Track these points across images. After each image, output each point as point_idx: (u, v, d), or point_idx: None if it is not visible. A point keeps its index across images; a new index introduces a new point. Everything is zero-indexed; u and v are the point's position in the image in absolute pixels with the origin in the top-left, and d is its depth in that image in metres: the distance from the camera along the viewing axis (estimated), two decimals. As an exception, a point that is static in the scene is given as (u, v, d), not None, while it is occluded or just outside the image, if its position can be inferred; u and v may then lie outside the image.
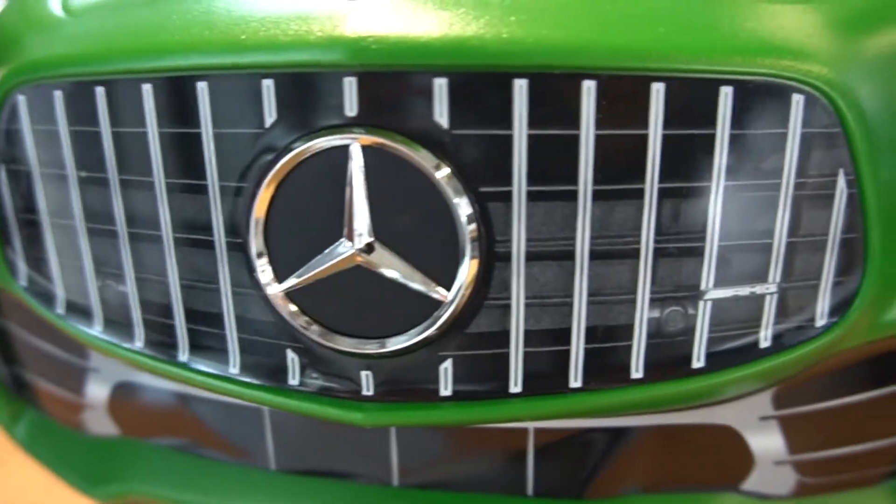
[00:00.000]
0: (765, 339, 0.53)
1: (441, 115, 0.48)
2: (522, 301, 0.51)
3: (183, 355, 0.60)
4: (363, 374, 0.55)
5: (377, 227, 0.51)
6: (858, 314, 0.53)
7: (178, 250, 0.57)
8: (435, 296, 0.51)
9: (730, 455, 0.62)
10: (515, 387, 0.53)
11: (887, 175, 0.51)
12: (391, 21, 0.47)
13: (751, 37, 0.47)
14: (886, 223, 0.51)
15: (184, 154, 0.54)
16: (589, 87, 0.47)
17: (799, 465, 0.63)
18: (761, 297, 0.52)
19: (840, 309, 0.53)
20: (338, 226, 0.51)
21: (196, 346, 0.60)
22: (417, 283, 0.51)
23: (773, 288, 0.52)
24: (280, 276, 0.54)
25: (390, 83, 0.48)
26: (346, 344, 0.54)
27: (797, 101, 0.48)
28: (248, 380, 0.58)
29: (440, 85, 0.47)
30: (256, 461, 0.70)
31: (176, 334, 0.60)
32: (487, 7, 0.48)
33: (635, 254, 0.50)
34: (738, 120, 0.48)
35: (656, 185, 0.49)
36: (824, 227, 0.51)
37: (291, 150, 0.50)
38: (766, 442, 0.61)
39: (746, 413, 0.60)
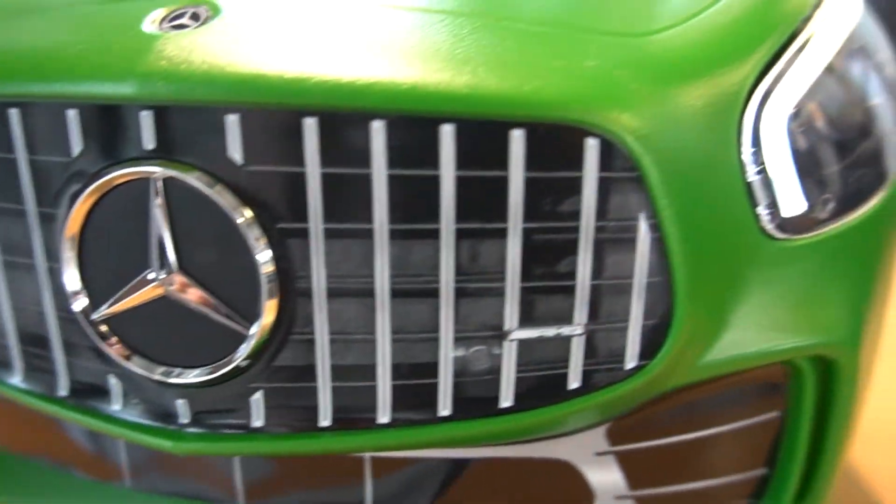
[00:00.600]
0: (574, 380, 0.53)
1: (234, 151, 0.48)
2: (326, 337, 0.51)
3: (16, 377, 0.60)
4: (179, 402, 0.55)
5: (183, 259, 0.51)
6: (669, 358, 0.52)
7: (7, 273, 0.57)
8: (239, 329, 0.51)
9: (570, 489, 0.62)
10: (325, 420, 0.53)
11: (691, 220, 0.50)
12: (184, 56, 0.47)
13: (542, 82, 0.47)
14: (692, 268, 0.51)
15: (4, 178, 0.54)
16: (377, 128, 0.47)
17: (640, 500, 0.63)
18: (568, 338, 0.52)
19: (651, 352, 0.53)
20: (146, 256, 0.51)
21: (29, 368, 0.60)
22: (221, 316, 0.51)
23: (579, 330, 0.52)
24: (95, 304, 0.54)
25: (185, 118, 0.48)
26: (158, 373, 0.54)
27: (591, 145, 0.48)
28: (74, 403, 0.58)
29: (232, 121, 0.47)
30: (114, 479, 0.70)
31: (10, 355, 0.60)
32: (278, 45, 0.48)
33: (436, 293, 0.50)
34: (532, 163, 0.48)
35: (452, 226, 0.49)
36: (629, 270, 0.51)
37: (97, 179, 0.50)
38: (605, 477, 0.61)
39: (582, 448, 0.60)
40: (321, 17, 0.52)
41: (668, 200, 0.49)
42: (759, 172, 0.54)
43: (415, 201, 0.48)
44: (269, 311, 0.50)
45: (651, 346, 0.53)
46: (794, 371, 0.59)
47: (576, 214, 0.49)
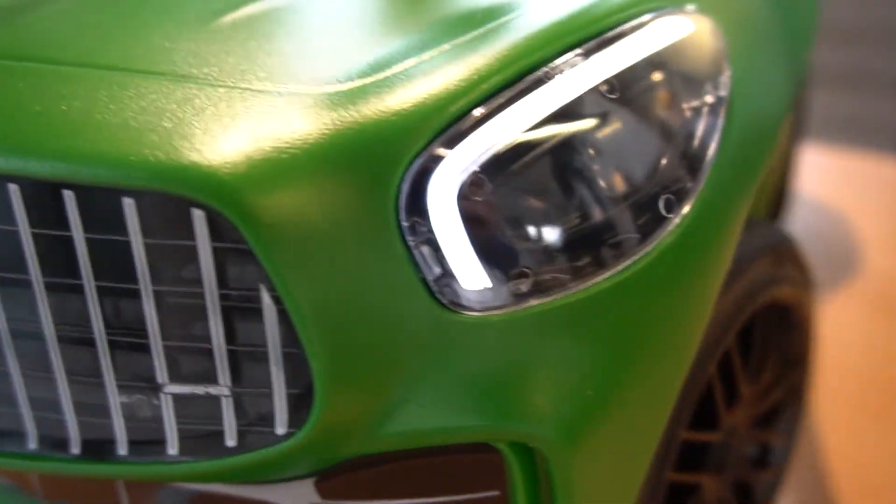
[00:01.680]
0: (230, 437, 0.53)
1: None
2: (17, 370, 0.56)
3: None
4: None
5: None
6: (317, 428, 0.51)
7: None
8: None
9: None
10: (32, 444, 0.58)
11: (324, 294, 0.48)
12: None
13: (147, 149, 0.47)
14: (331, 340, 0.49)
15: None
16: (14, 189, 0.49)
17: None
18: (217, 398, 0.52)
19: (302, 420, 0.52)
20: None
21: None
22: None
23: (226, 391, 0.52)
24: None
25: None
26: None
27: (198, 216, 0.47)
28: None
29: None
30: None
31: None
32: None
33: (93, 342, 0.53)
34: (150, 229, 0.48)
35: (92, 283, 0.51)
36: (262, 338, 0.50)
37: None
38: (322, 528, 0.61)
39: (297, 496, 0.60)
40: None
41: (285, 274, 0.47)
42: (425, 243, 0.50)
43: (60, 258, 0.51)
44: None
45: (301, 413, 0.52)
46: (503, 453, 0.55)
47: (198, 281, 0.49)
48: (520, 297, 0.51)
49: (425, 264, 0.50)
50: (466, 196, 0.50)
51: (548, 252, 0.51)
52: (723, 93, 0.60)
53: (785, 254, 0.77)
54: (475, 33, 0.55)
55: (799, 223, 1.97)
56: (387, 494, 0.59)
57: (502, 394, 0.52)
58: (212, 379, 0.52)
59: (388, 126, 0.49)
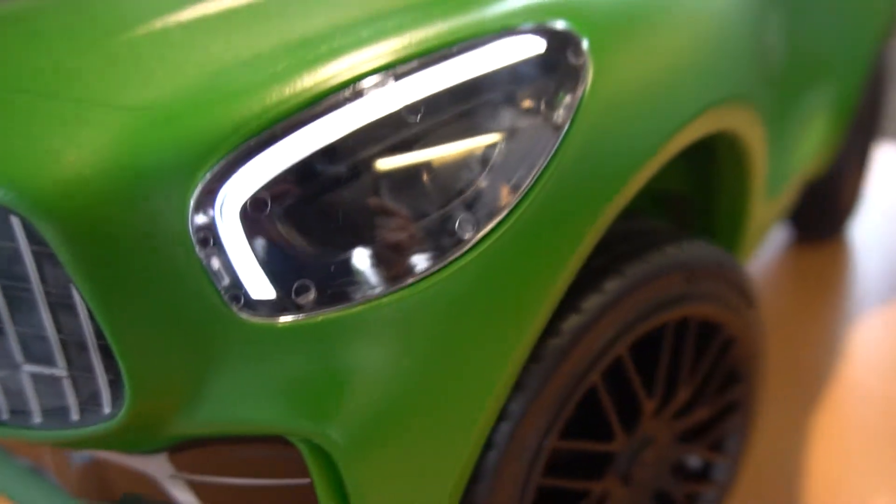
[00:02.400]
0: (74, 412, 0.61)
1: None
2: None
3: None
4: None
5: None
6: (130, 410, 0.57)
7: None
8: None
9: (157, 500, 0.70)
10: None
11: (115, 298, 0.54)
12: None
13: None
14: (126, 338, 0.55)
15: None
16: None
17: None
18: (59, 378, 0.60)
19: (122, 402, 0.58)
20: None
21: None
22: None
23: (64, 373, 0.60)
24: None
25: None
26: None
27: (16, 222, 0.55)
28: None
29: None
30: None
31: None
32: None
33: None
34: (-11, 232, 0.56)
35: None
36: (78, 329, 0.57)
37: None
38: (183, 497, 0.68)
39: (161, 467, 0.67)
40: None
41: (85, 278, 0.54)
42: (214, 254, 0.54)
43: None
44: None
45: (119, 397, 0.58)
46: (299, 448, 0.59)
47: (27, 277, 0.57)
48: (304, 307, 0.55)
49: (214, 274, 0.55)
50: (249, 213, 0.54)
51: (330, 267, 0.54)
52: (559, 119, 0.59)
53: (703, 273, 0.73)
54: (288, 56, 0.58)
55: (867, 226, 1.79)
56: (227, 472, 0.65)
57: (291, 394, 0.56)
58: (53, 362, 0.60)
59: (182, 144, 0.54)
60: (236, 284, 0.55)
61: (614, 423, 0.73)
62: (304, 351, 0.56)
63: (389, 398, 0.56)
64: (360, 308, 0.55)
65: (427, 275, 0.55)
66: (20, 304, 0.59)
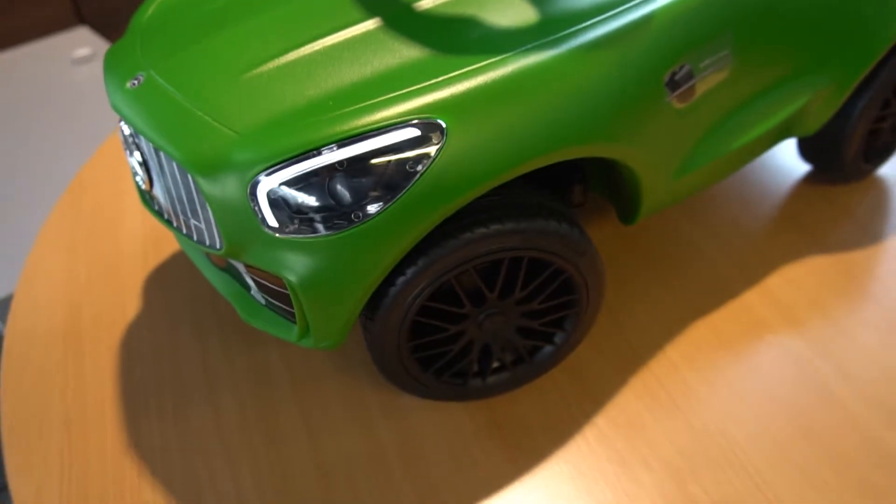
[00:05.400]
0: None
1: None
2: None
3: None
4: None
5: None
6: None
7: None
8: None
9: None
10: None
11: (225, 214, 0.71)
12: None
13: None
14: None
15: None
16: None
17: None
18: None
19: None
20: None
21: None
22: None
23: None
24: None
25: None
26: None
27: (189, 177, 0.73)
28: None
29: None
30: None
31: None
32: None
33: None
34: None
35: None
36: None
37: None
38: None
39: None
40: None
41: (211, 202, 0.72)
42: (255, 206, 0.73)
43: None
44: None
45: None
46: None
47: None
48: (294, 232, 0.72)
49: (258, 213, 0.72)
50: (270, 192, 0.71)
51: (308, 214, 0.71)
52: (420, 168, 0.73)
53: (536, 237, 0.84)
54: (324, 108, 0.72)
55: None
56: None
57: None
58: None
59: (252, 156, 0.71)
60: (263, 218, 0.73)
61: (464, 298, 0.86)
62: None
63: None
64: (327, 237, 0.72)
65: (360, 223, 0.73)
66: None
